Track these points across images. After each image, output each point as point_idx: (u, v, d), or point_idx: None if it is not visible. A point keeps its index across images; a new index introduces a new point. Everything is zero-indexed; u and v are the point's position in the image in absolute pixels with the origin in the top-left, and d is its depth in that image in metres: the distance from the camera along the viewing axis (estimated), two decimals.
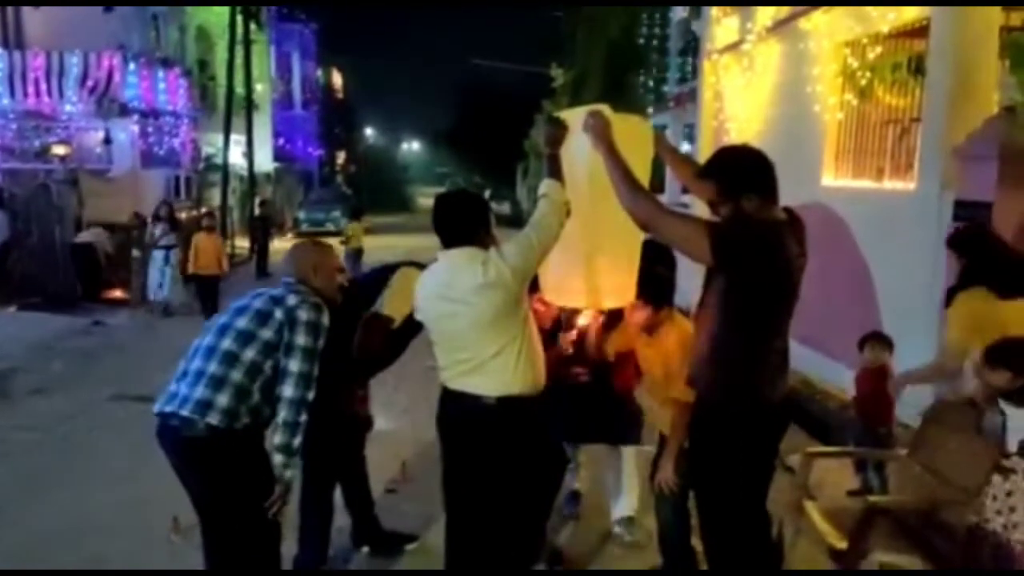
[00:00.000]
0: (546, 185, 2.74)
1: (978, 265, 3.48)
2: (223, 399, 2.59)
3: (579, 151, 2.79)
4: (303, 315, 2.69)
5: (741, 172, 2.54)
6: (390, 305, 3.35)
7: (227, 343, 2.66)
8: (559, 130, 2.82)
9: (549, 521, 3.65)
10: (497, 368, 2.70)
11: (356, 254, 12.10)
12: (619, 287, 3.02)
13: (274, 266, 14.67)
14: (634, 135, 2.83)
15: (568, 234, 2.77)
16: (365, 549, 3.75)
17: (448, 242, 2.78)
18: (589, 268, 2.98)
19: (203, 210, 13.46)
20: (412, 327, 3.21)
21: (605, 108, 2.79)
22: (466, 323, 2.69)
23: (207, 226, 9.94)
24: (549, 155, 2.80)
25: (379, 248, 14.45)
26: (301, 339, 2.68)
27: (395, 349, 3.42)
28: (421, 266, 3.10)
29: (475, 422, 2.77)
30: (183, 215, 13.18)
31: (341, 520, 3.89)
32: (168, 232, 10.39)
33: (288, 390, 2.67)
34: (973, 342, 3.19)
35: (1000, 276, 3.35)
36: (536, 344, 2.82)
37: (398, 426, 5.18)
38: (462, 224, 2.76)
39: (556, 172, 2.76)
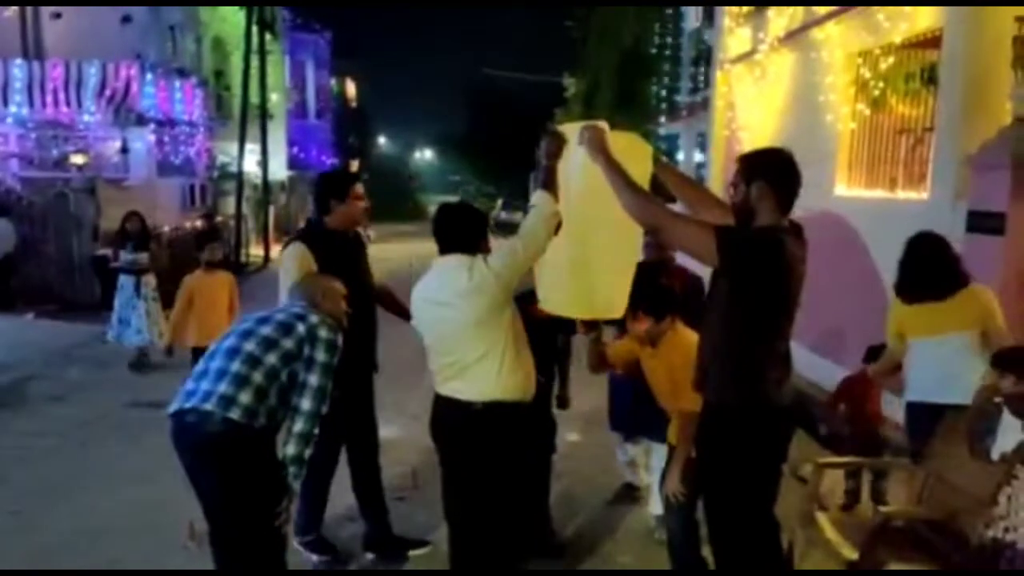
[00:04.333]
0: (537, 196, 2.79)
1: (901, 274, 3.70)
2: (245, 397, 2.66)
3: (574, 163, 2.80)
4: (323, 333, 2.84)
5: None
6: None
7: (250, 346, 2.75)
8: (557, 142, 2.84)
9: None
10: (481, 372, 2.77)
11: None
12: (611, 298, 3.02)
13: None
14: (632, 152, 2.80)
15: (562, 245, 2.81)
16: (371, 556, 3.78)
17: (443, 249, 2.89)
18: (581, 279, 2.97)
19: (199, 223, 12.07)
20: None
21: (602, 124, 2.81)
22: (452, 326, 2.78)
23: (209, 260, 5.89)
24: (545, 167, 2.83)
25: (388, 254, 14.47)
26: (321, 355, 2.81)
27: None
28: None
29: (463, 427, 2.84)
30: (195, 224, 13.18)
31: (355, 527, 3.92)
32: (135, 252, 7.67)
33: (306, 403, 2.78)
34: (895, 340, 3.76)
35: (906, 284, 3.64)
36: (524, 352, 2.86)
37: (407, 433, 5.19)
38: (456, 233, 2.87)
39: (550, 184, 2.80)
